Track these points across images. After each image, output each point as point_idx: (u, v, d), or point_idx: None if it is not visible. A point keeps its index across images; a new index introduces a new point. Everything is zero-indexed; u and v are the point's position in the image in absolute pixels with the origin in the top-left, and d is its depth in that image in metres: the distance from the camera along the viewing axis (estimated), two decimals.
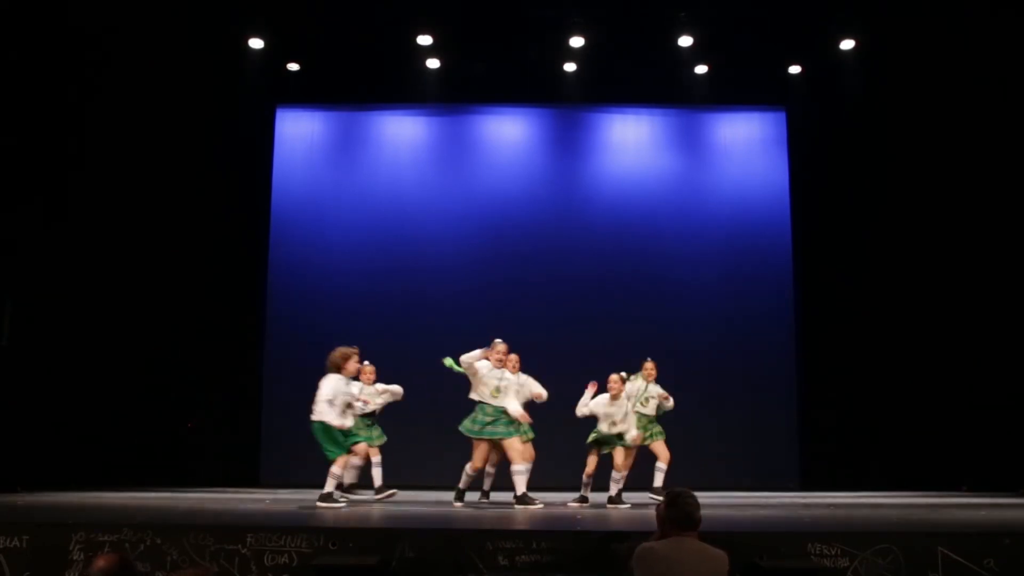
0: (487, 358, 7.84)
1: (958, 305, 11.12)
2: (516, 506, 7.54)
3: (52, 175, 10.50)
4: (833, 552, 4.85)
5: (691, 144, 12.70)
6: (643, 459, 8.38)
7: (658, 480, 8.39)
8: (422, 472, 9.95)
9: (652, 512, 7.09)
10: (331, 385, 7.44)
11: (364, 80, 12.24)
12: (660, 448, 8.40)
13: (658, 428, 8.44)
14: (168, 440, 11.31)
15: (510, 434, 7.66)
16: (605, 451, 7.99)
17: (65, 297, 10.52)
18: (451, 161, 12.58)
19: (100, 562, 3.26)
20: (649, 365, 8.53)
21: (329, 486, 7.28)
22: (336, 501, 7.34)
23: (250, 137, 12.25)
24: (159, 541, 4.99)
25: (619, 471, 7.91)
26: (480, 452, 7.77)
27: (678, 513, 3.75)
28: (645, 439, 8.23)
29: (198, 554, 4.93)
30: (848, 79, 11.67)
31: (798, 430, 11.79)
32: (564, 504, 7.91)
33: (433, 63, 11.96)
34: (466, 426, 7.75)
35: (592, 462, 7.97)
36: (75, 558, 4.95)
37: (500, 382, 7.77)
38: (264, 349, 12.07)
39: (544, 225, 12.23)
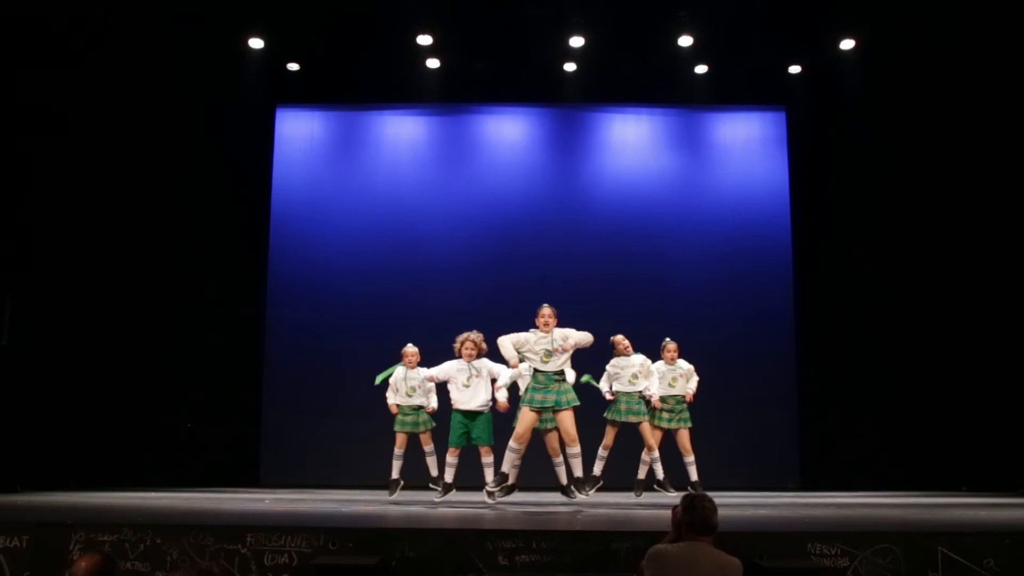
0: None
1: (958, 305, 11.11)
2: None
3: (51, 175, 10.50)
4: (833, 552, 4.85)
5: (691, 144, 12.70)
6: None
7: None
8: (422, 470, 9.94)
9: (651, 512, 7.12)
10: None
11: (364, 80, 12.24)
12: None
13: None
14: (168, 440, 11.30)
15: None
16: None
17: (65, 297, 10.53)
18: (451, 161, 12.58)
19: (82, 562, 3.26)
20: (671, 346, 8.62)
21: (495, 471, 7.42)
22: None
23: (250, 137, 12.23)
24: (159, 541, 5.00)
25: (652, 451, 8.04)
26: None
27: (695, 517, 3.73)
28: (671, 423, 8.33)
29: (198, 554, 4.94)
30: (848, 79, 11.67)
31: (798, 430, 11.78)
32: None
33: (433, 63, 11.96)
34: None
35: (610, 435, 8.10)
36: (75, 558, 4.94)
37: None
38: (264, 349, 12.06)
39: (544, 225, 12.23)
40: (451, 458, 7.91)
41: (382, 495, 8.44)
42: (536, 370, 7.16)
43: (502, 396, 7.80)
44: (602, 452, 8.17)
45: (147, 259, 11.36)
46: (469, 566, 4.87)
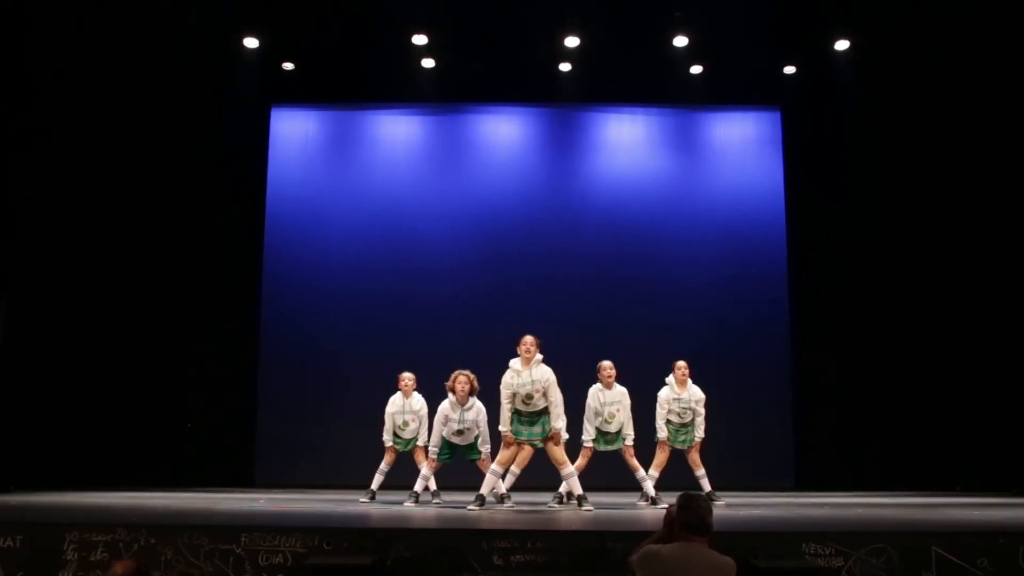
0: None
1: (953, 305, 11.14)
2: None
3: (46, 175, 10.47)
4: (828, 551, 4.85)
5: (686, 144, 12.71)
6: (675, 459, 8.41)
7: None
8: (418, 472, 9.94)
9: (646, 512, 7.12)
10: None
11: (359, 79, 12.24)
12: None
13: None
14: (163, 440, 11.28)
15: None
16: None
17: (61, 297, 10.50)
18: (446, 161, 12.57)
19: (118, 568, 3.23)
20: (681, 364, 8.35)
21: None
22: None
23: (245, 136, 12.22)
24: (153, 541, 4.98)
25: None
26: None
27: (691, 517, 3.72)
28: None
29: (192, 554, 4.92)
30: (842, 79, 11.72)
31: (793, 430, 11.81)
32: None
33: (428, 63, 11.95)
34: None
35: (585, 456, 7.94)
36: (69, 558, 4.94)
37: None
38: (259, 349, 12.04)
39: (539, 225, 12.23)
40: (427, 471, 8.00)
41: (378, 495, 8.43)
42: (518, 411, 7.21)
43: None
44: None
45: (142, 259, 11.34)
46: (464, 566, 4.86)
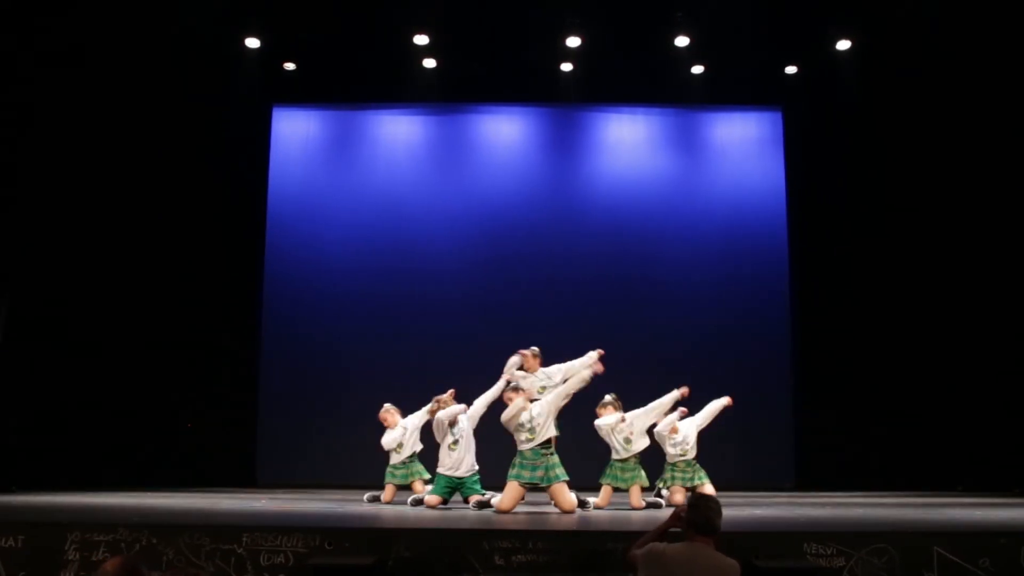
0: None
1: (954, 305, 11.13)
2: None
3: (47, 175, 10.47)
4: (829, 552, 4.86)
5: (688, 144, 12.70)
6: None
7: None
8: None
9: (647, 512, 7.12)
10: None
11: (360, 80, 12.23)
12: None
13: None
14: (164, 440, 11.28)
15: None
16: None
17: (62, 297, 10.50)
18: (447, 161, 12.56)
19: (107, 566, 3.25)
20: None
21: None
22: None
23: (247, 136, 12.23)
24: (155, 541, 4.99)
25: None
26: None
27: (698, 517, 3.72)
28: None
29: (194, 554, 4.93)
30: (844, 79, 11.68)
31: (794, 430, 11.79)
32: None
33: (430, 63, 11.95)
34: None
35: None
36: (70, 558, 4.95)
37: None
38: (260, 349, 12.04)
39: (540, 225, 12.22)
40: (427, 507, 7.74)
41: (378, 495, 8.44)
42: (520, 452, 7.03)
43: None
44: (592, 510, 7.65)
45: (144, 259, 11.34)
46: (465, 566, 4.87)
